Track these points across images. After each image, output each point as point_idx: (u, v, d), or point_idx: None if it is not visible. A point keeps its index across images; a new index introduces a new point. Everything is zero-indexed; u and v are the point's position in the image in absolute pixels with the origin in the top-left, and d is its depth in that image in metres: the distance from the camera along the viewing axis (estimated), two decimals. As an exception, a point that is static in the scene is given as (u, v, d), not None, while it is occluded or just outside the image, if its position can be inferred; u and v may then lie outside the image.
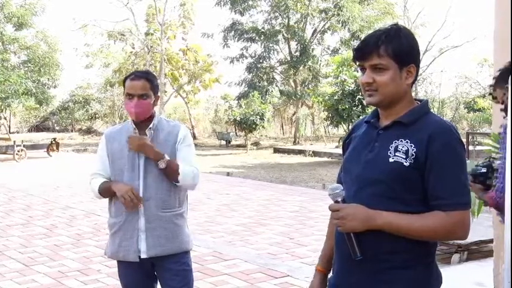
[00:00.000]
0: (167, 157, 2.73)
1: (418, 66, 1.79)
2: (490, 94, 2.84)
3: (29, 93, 24.18)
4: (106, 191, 2.82)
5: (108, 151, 2.85)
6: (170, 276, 2.84)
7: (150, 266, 2.85)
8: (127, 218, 2.77)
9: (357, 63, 1.81)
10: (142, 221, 2.76)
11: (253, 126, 20.00)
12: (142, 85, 2.78)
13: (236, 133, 24.75)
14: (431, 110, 1.85)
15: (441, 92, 30.02)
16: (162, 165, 2.72)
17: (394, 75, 1.74)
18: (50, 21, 50.19)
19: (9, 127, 25.68)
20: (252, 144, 21.70)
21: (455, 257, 5.14)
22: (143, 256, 2.77)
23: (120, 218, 2.79)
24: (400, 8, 28.00)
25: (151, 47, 26.00)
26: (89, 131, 28.67)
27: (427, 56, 28.76)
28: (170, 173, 2.74)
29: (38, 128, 28.06)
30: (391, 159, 1.72)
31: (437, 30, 28.14)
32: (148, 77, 2.83)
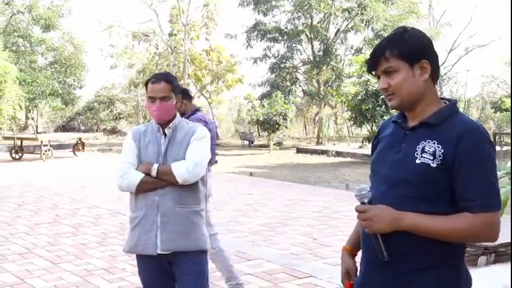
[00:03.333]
0: (155, 165, 2.78)
1: (432, 61, 1.77)
2: None
3: (56, 93, 24.65)
4: (146, 185, 2.80)
5: (137, 147, 2.89)
6: (183, 276, 2.86)
7: (167, 264, 2.87)
8: (147, 212, 2.81)
9: (373, 74, 1.83)
10: (159, 216, 2.80)
11: (276, 126, 20.00)
12: (163, 87, 2.83)
13: (259, 133, 24.78)
14: (459, 110, 1.84)
15: (467, 91, 29.62)
16: (153, 173, 2.78)
17: (406, 75, 1.74)
18: (76, 22, 50.97)
19: (37, 127, 26.14)
20: (274, 144, 21.70)
21: (482, 259, 5.06)
22: (159, 251, 2.80)
23: (140, 212, 2.83)
24: (424, 6, 27.75)
25: (174, 47, 26.20)
26: (113, 131, 29.03)
27: (453, 55, 28.40)
28: (166, 176, 2.77)
29: (64, 128, 28.53)
30: (417, 161, 1.72)
31: (463, 29, 27.79)
32: (168, 78, 2.88)
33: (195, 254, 2.87)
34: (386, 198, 1.76)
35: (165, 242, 2.80)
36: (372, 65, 1.80)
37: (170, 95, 2.85)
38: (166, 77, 2.89)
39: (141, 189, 2.80)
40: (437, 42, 28.34)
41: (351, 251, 2.02)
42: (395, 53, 1.74)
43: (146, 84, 2.92)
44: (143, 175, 2.79)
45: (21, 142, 17.01)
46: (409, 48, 1.74)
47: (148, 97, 2.87)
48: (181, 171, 2.76)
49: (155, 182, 2.79)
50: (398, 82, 1.75)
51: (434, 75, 1.78)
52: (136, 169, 2.83)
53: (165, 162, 2.82)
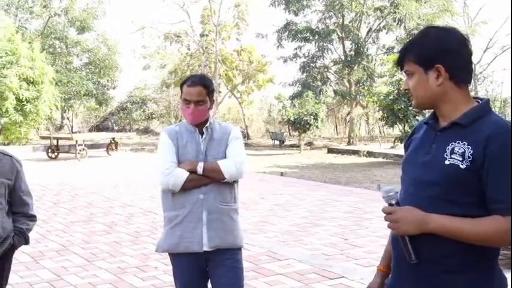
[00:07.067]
0: (201, 163, 2.85)
1: (450, 65, 1.74)
2: None
3: (90, 94, 25.18)
4: (191, 182, 2.84)
5: (176, 145, 2.92)
6: (223, 273, 2.89)
7: (204, 261, 2.90)
8: (191, 210, 2.84)
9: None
10: (205, 213, 2.84)
11: (307, 126, 19.92)
12: (199, 92, 2.87)
13: (290, 133, 24.74)
14: (492, 110, 1.81)
15: (503, 90, 28.87)
16: (200, 170, 2.83)
17: (420, 79, 1.78)
18: (110, 24, 51.86)
19: (72, 127, 26.70)
20: (305, 144, 21.63)
21: (518, 262, 4.94)
22: (205, 248, 2.84)
23: (183, 210, 2.86)
24: (459, 4, 27.16)
25: (206, 48, 26.39)
26: (146, 131, 29.43)
27: (488, 54, 27.77)
28: (213, 173, 2.84)
29: (98, 128, 29.06)
30: (447, 162, 1.70)
31: (499, 26, 27.11)
32: (205, 83, 2.91)
33: (235, 251, 2.93)
34: (414, 200, 1.75)
35: (212, 239, 2.84)
36: (398, 65, 1.88)
37: (205, 99, 2.89)
38: (203, 82, 2.91)
39: (187, 186, 2.84)
40: (472, 40, 27.75)
41: (384, 270, 2.00)
42: (411, 58, 1.79)
43: (182, 85, 2.95)
44: (188, 173, 2.84)
45: (57, 142, 17.43)
46: (424, 54, 1.76)
47: (184, 99, 2.90)
48: (230, 168, 2.84)
49: (200, 180, 2.84)
50: (413, 85, 1.80)
51: (457, 78, 1.75)
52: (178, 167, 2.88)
53: (206, 160, 2.88)
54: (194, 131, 2.93)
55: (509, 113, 26.41)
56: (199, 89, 2.87)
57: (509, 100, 27.88)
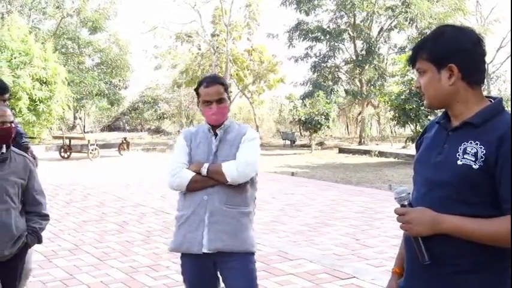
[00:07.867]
0: (206, 164, 2.83)
1: (464, 65, 1.73)
2: None
3: (102, 94, 25.33)
4: (196, 183, 2.85)
5: (189, 147, 2.95)
6: (232, 275, 2.86)
7: (212, 264, 2.88)
8: (195, 211, 2.84)
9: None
10: (207, 215, 2.83)
11: (318, 126, 19.89)
12: (218, 90, 2.88)
13: (300, 133, 24.70)
14: (505, 109, 1.79)
15: (516, 90, 28.60)
16: (204, 171, 2.82)
17: (432, 78, 1.76)
18: (121, 24, 52.10)
19: (84, 127, 26.90)
20: (316, 144, 21.59)
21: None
22: (204, 250, 2.81)
23: (187, 210, 2.86)
24: (472, 3, 26.94)
25: (217, 47, 26.43)
26: (157, 131, 29.53)
27: (502, 53, 27.54)
28: (216, 175, 2.81)
29: (109, 127, 29.22)
30: (459, 162, 1.69)
31: (512, 25, 26.82)
32: (221, 81, 2.93)
33: (242, 255, 2.87)
34: (426, 200, 1.74)
35: (212, 241, 2.81)
36: (410, 62, 1.85)
37: (225, 96, 2.90)
38: (219, 80, 2.93)
39: (192, 187, 2.84)
40: (485, 39, 27.50)
41: (400, 272, 1.98)
42: (424, 56, 1.77)
43: (197, 89, 2.94)
44: (194, 174, 2.84)
45: (70, 141, 17.57)
46: (438, 52, 1.74)
47: (204, 101, 2.89)
48: (231, 170, 2.80)
49: (205, 181, 2.83)
50: (425, 84, 1.78)
51: (470, 78, 1.74)
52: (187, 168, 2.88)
53: (215, 161, 2.86)
54: (209, 131, 2.93)
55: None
56: (218, 87, 2.88)
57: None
